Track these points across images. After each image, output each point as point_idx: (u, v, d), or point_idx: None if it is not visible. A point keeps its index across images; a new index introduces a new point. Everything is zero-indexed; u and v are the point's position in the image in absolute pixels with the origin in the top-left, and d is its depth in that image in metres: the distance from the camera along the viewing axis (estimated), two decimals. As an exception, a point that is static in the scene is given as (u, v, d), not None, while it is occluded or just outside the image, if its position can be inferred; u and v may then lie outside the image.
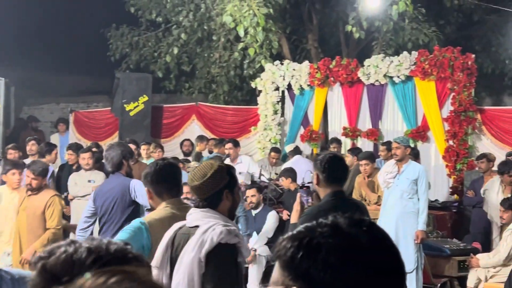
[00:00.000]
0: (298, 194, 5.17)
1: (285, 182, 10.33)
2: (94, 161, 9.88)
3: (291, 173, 10.32)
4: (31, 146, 11.24)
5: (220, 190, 3.71)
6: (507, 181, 9.62)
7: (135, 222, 4.01)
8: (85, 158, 9.78)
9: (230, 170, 3.84)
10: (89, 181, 9.75)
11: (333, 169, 4.80)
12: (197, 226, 3.63)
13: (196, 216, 3.69)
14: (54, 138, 15.92)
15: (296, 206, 5.01)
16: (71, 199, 10.09)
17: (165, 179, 4.27)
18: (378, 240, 1.40)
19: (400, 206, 8.71)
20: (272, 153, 12.58)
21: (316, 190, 5.26)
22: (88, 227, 6.59)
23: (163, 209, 4.15)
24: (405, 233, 8.62)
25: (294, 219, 4.94)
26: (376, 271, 1.36)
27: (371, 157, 10.28)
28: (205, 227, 3.58)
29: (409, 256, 8.53)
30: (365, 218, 1.46)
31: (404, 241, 8.58)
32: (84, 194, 9.66)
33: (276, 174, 11.92)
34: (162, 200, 4.23)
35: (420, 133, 12.27)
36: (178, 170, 4.44)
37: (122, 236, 3.88)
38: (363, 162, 10.01)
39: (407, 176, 8.71)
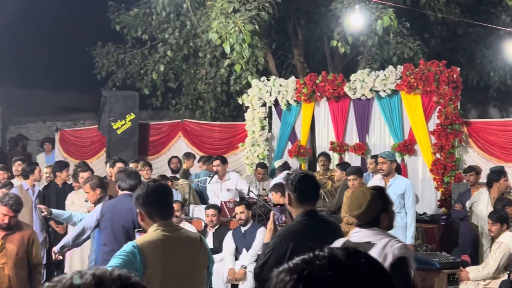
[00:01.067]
0: (272, 213, 5.15)
1: (275, 197, 10.32)
2: None
3: (281, 188, 10.27)
4: (17, 167, 11.11)
5: (377, 214, 4.23)
6: (503, 186, 9.48)
7: (128, 246, 3.98)
8: (84, 177, 9.64)
9: (382, 194, 4.33)
10: (86, 200, 9.65)
11: (305, 188, 4.66)
12: (368, 242, 4.11)
13: (365, 234, 4.20)
14: (40, 158, 15.85)
15: (269, 225, 4.97)
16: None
17: (157, 201, 4.23)
18: (375, 271, 1.43)
19: (388, 220, 8.71)
20: (259, 169, 12.59)
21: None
22: (85, 240, 6.56)
23: (154, 232, 4.14)
24: (394, 247, 8.62)
25: (267, 238, 4.89)
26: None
27: (359, 171, 10.27)
28: (382, 242, 4.07)
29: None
30: (360, 249, 1.48)
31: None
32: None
33: (264, 189, 11.92)
34: (153, 222, 4.21)
35: (407, 146, 12.31)
36: (169, 191, 4.41)
37: (115, 262, 3.83)
38: (351, 177, 10.01)
39: (394, 190, 8.72)
